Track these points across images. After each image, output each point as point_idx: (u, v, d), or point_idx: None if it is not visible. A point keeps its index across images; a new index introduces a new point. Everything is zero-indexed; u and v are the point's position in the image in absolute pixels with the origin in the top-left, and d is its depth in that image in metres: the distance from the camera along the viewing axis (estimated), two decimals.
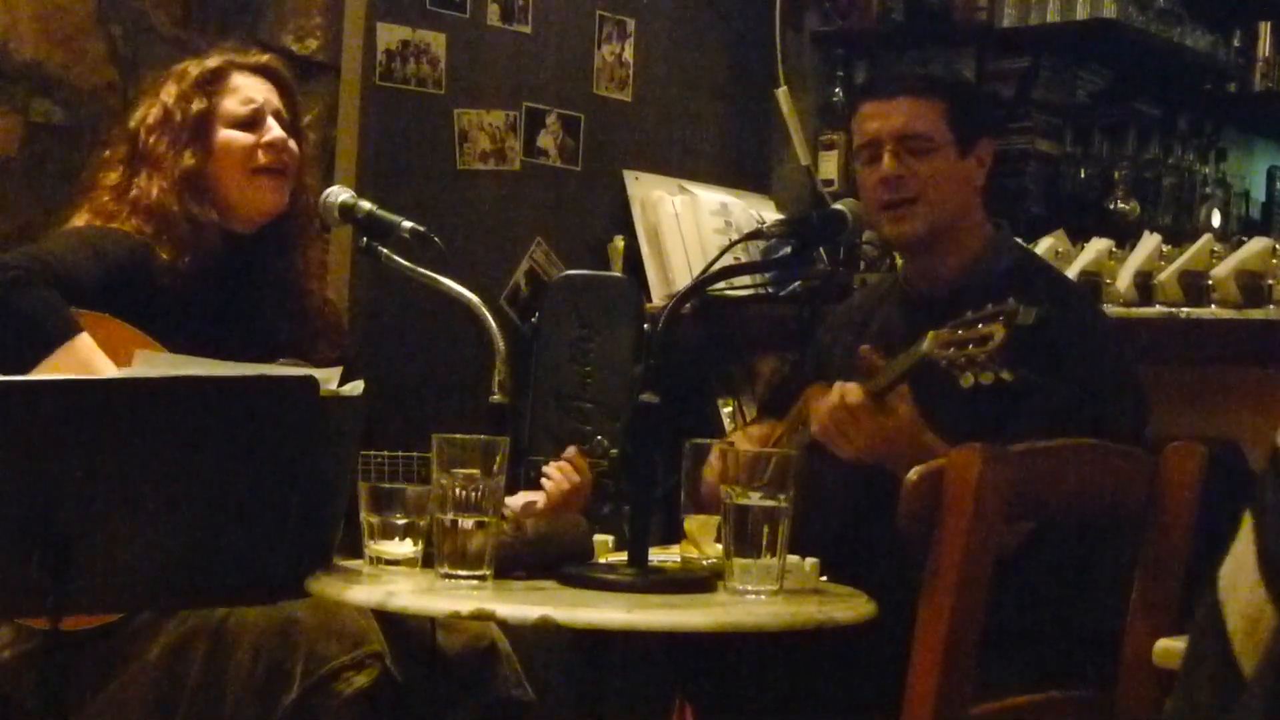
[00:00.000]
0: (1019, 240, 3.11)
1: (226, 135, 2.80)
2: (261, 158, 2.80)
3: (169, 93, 2.80)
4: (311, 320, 2.90)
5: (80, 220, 2.78)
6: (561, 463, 2.75)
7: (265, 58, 2.91)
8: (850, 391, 2.46)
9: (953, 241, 2.81)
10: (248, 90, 2.82)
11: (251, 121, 2.81)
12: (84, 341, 2.49)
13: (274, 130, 2.81)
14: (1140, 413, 2.69)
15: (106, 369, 2.47)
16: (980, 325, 2.31)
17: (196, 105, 2.78)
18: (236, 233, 2.83)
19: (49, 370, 2.44)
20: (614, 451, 2.60)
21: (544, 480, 2.72)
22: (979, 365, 2.30)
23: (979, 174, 2.86)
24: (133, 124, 2.83)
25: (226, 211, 2.81)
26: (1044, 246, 3.58)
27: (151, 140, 2.78)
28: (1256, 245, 3.42)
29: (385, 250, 2.78)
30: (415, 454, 2.47)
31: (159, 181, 2.75)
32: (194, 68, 2.83)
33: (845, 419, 2.46)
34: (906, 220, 2.80)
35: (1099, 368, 2.66)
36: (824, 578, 2.43)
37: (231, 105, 2.81)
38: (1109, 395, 2.64)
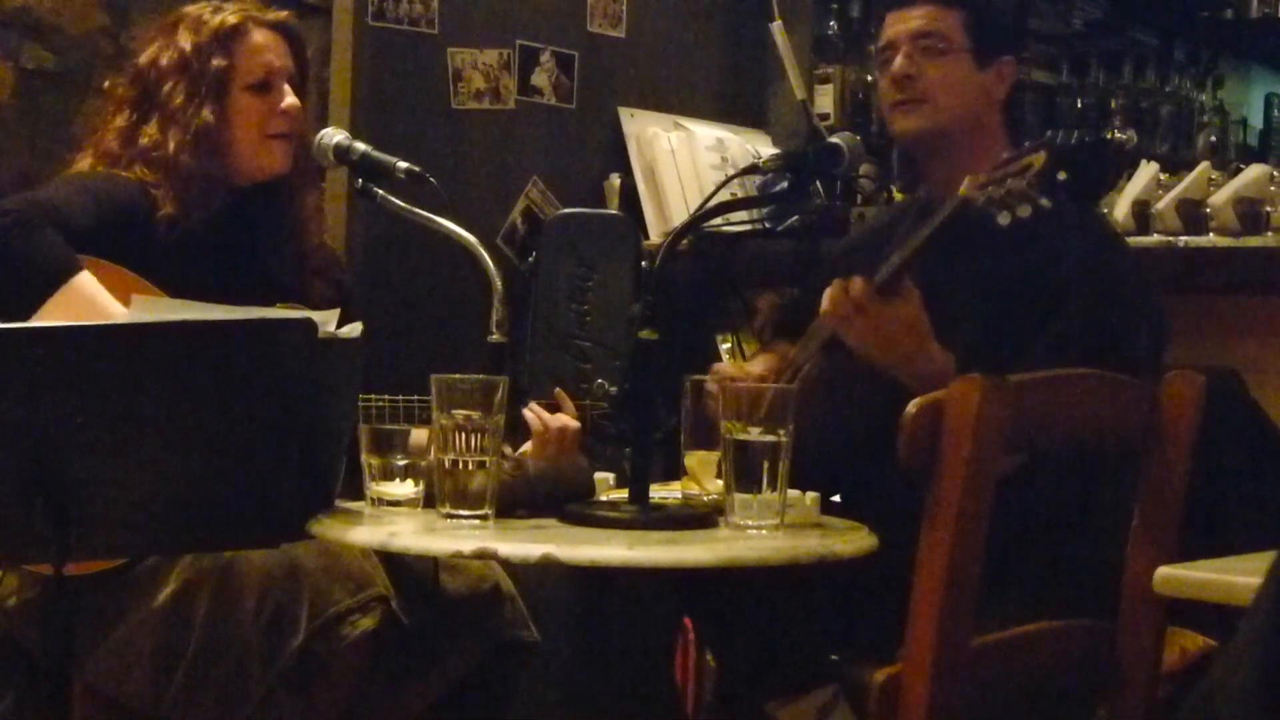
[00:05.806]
0: None
1: (243, 100, 2.77)
2: (276, 125, 2.79)
3: (186, 39, 2.76)
4: (308, 260, 2.89)
5: (84, 164, 2.77)
6: (542, 401, 2.75)
7: (283, 15, 2.88)
8: (854, 284, 2.52)
9: (970, 151, 2.78)
10: (265, 52, 2.79)
11: (266, 84, 2.79)
12: (86, 279, 2.48)
13: (289, 97, 2.79)
14: (1158, 339, 2.69)
15: (110, 305, 2.46)
16: (1019, 160, 2.35)
17: (217, 62, 2.75)
18: (239, 186, 2.82)
19: (55, 308, 2.43)
20: (612, 390, 2.59)
21: (528, 421, 2.72)
22: (1017, 197, 2.32)
23: (999, 88, 2.85)
24: (144, 61, 2.80)
25: (234, 169, 2.79)
26: None
27: (166, 88, 2.75)
28: (1254, 172, 3.41)
29: (381, 191, 2.78)
30: (416, 399, 2.47)
31: (175, 135, 2.72)
32: (212, 18, 2.78)
33: (849, 308, 2.52)
34: (912, 116, 2.82)
35: (1116, 294, 2.66)
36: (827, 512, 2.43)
37: (249, 66, 2.78)
38: (1126, 321, 2.64)
